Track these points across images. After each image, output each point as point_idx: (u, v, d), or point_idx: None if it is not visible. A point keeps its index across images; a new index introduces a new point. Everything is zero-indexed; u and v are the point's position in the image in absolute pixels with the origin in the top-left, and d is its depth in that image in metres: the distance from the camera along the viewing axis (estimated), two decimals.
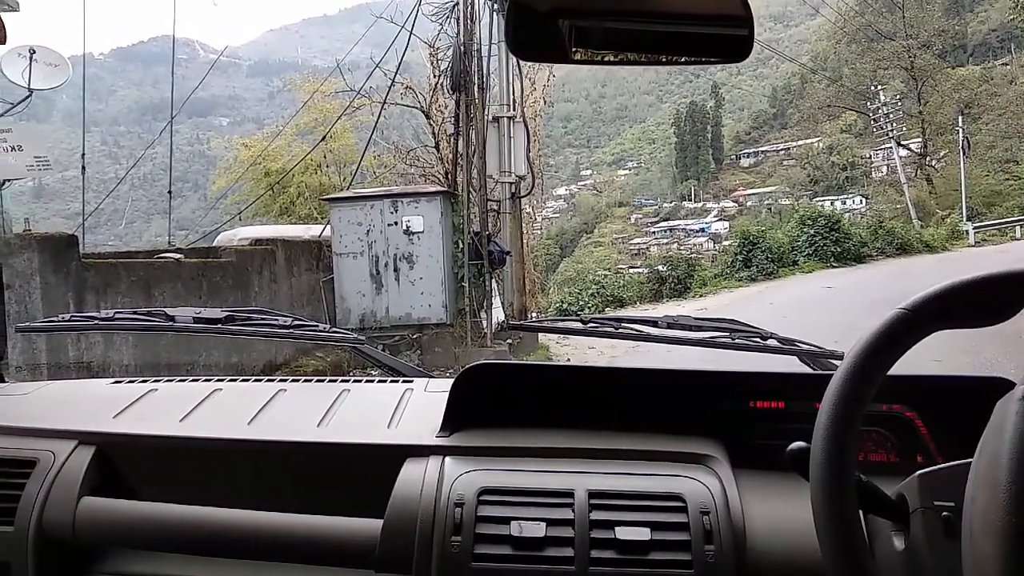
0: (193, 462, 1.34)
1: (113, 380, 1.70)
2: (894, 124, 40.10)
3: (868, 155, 53.88)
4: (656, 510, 1.12)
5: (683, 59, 1.06)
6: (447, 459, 1.23)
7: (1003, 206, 33.10)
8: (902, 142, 41.45)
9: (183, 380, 1.68)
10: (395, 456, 1.25)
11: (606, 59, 1.02)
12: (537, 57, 1.01)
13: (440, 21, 10.94)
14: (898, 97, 42.17)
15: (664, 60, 1.04)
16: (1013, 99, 41.54)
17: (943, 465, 0.90)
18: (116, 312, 1.81)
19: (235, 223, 14.97)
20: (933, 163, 41.58)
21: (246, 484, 1.30)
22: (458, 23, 10.28)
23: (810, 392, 1.13)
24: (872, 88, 41.95)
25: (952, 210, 32.18)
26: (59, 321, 1.87)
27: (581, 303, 19.08)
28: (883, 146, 46.50)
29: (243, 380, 1.68)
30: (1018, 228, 27.84)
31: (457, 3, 10.35)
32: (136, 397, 1.53)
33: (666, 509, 1.12)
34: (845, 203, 48.09)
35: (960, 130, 34.09)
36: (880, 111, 40.74)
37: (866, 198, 48.36)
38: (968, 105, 41.02)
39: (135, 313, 1.80)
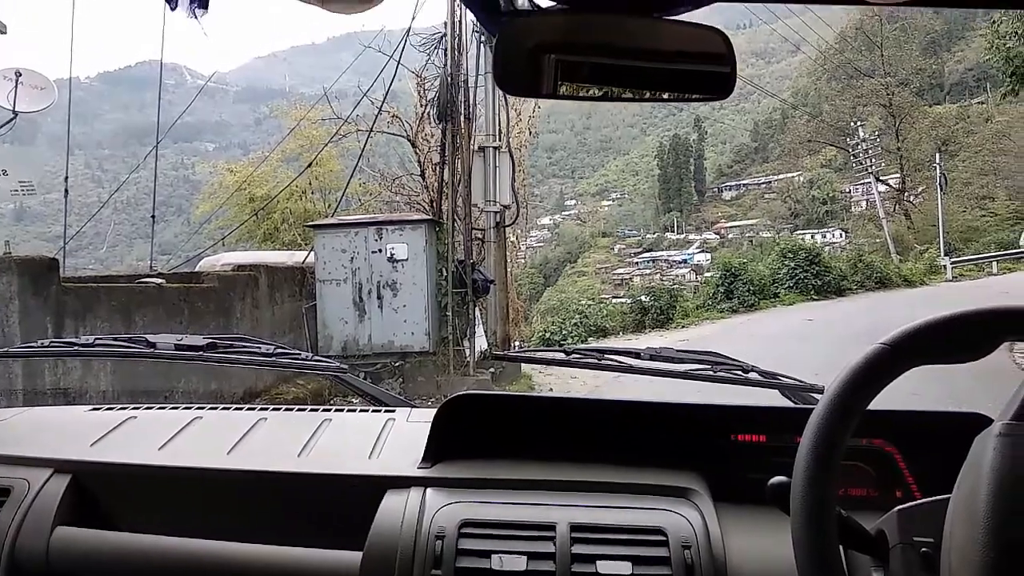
0: (171, 492, 1.32)
1: (92, 407, 1.68)
2: (873, 160, 40.78)
3: (848, 190, 54.68)
4: (638, 544, 1.12)
5: (667, 95, 1.08)
6: (428, 491, 1.22)
7: (980, 241, 33.65)
8: (881, 177, 42.11)
9: (163, 408, 1.66)
10: (376, 487, 1.24)
11: (591, 94, 1.04)
12: (524, 92, 1.02)
13: (428, 52, 11.05)
14: (877, 133, 42.92)
15: (648, 96, 1.06)
16: (989, 137, 42.44)
17: (922, 501, 0.90)
18: (96, 338, 1.80)
19: (218, 248, 14.88)
20: (911, 198, 42.27)
21: (225, 515, 1.29)
22: (445, 54, 10.39)
23: (791, 426, 1.14)
24: (851, 124, 42.72)
25: (930, 245, 32.62)
26: (38, 347, 1.85)
27: (564, 332, 19.06)
28: (862, 181, 47.24)
29: (223, 408, 1.66)
30: (994, 263, 28.24)
31: (444, 35, 10.46)
32: (114, 425, 1.51)
33: (648, 543, 1.12)
34: (825, 236, 48.67)
35: (937, 166, 34.70)
36: (859, 147, 41.43)
37: (846, 232, 48.94)
38: (945, 142, 41.81)
39: (116, 339, 1.79)
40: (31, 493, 1.28)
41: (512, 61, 0.95)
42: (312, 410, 1.66)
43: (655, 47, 0.96)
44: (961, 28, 53.35)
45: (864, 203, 50.33)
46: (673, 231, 69.88)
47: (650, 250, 66.73)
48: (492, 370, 9.84)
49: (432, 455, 1.31)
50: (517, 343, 12.68)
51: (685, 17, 0.96)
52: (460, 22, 10.20)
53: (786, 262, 23.19)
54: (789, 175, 59.54)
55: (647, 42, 0.96)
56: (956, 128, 44.77)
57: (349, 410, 1.67)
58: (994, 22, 13.99)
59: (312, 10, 0.89)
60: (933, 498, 0.88)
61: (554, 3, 0.96)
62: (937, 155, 36.55)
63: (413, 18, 10.87)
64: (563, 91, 0.98)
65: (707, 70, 0.99)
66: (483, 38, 10.28)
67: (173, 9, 0.95)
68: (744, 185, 71.30)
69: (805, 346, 11.62)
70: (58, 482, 1.30)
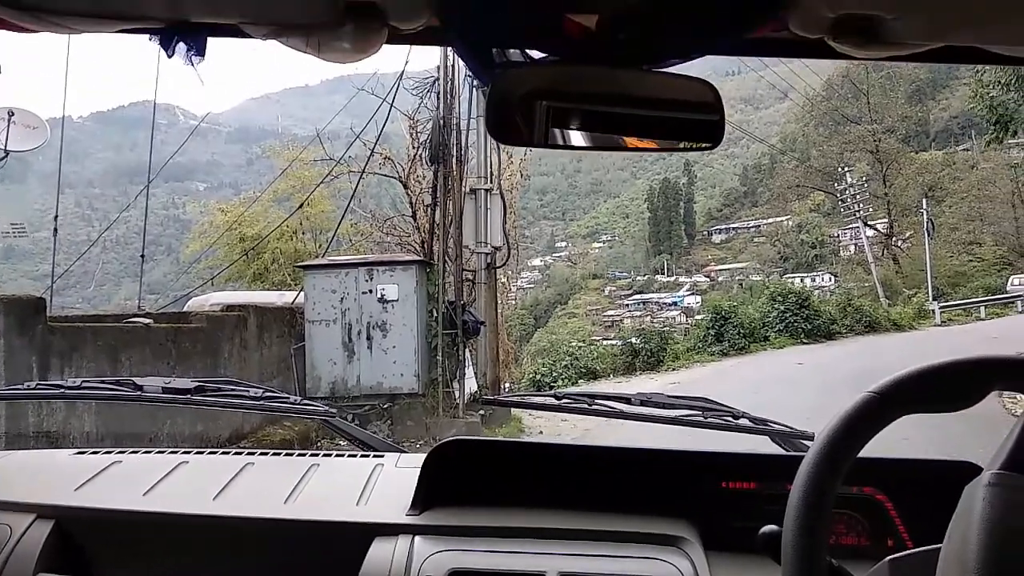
0: (156, 538, 1.30)
1: (76, 451, 1.66)
2: (861, 205, 41.33)
3: (836, 234, 55.13)
4: None
5: (657, 145, 1.09)
6: (417, 538, 1.21)
7: (967, 286, 33.96)
8: (869, 222, 42.64)
9: (148, 452, 1.65)
10: (364, 535, 1.22)
11: (582, 143, 1.05)
12: (516, 141, 1.04)
13: (420, 95, 11.19)
14: (864, 179, 43.54)
15: (638, 146, 1.08)
16: (975, 183, 43.05)
17: (913, 551, 0.90)
18: (83, 381, 1.78)
19: (207, 288, 14.84)
20: (899, 243, 42.70)
21: (211, 562, 1.27)
22: (438, 97, 10.53)
23: (782, 473, 1.13)
24: (839, 170, 43.39)
25: (918, 289, 32.89)
26: (25, 389, 1.83)
27: (555, 374, 19.03)
28: (850, 226, 47.71)
29: (210, 452, 1.65)
30: (982, 308, 28.46)
31: (437, 78, 10.61)
32: (99, 469, 1.49)
33: None
34: (814, 280, 48.90)
35: (924, 212, 35.16)
36: (847, 192, 42.04)
37: (835, 276, 49.26)
38: (932, 188, 42.41)
39: (103, 382, 1.77)
40: (13, 539, 1.26)
41: (504, 111, 0.97)
42: (300, 455, 1.65)
43: (646, 97, 0.98)
44: (946, 77, 54.45)
45: (853, 247, 50.79)
46: (663, 274, 70.16)
47: (640, 292, 66.85)
48: (482, 412, 9.77)
49: (421, 502, 1.30)
50: (507, 384, 12.64)
51: (674, 69, 0.98)
52: (453, 67, 10.36)
53: (776, 305, 23.32)
54: (778, 219, 60.06)
55: (638, 93, 0.98)
56: (942, 174, 45.46)
57: (337, 455, 1.65)
58: (978, 71, 14.31)
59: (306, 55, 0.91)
60: (924, 548, 0.87)
61: (546, 55, 0.98)
62: (924, 201, 37.09)
63: (407, 62, 11.04)
64: (555, 140, 1.00)
65: (697, 119, 1.01)
66: (475, 82, 10.43)
67: (170, 56, 0.96)
68: (734, 229, 71.86)
69: (795, 390, 11.61)
70: (41, 528, 1.28)
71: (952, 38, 0.89)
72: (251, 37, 0.91)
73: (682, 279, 67.87)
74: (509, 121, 0.99)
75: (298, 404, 1.84)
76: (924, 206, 35.94)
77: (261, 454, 1.62)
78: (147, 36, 0.94)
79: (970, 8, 0.84)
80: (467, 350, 10.26)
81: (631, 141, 1.05)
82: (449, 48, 10.09)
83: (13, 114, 8.58)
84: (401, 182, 12.46)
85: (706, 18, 0.92)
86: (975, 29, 0.88)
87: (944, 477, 1.07)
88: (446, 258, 10.33)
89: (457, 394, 9.80)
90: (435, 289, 9.99)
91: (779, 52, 1.06)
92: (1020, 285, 30.76)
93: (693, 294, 60.14)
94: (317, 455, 1.63)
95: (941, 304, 29.25)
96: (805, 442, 1.64)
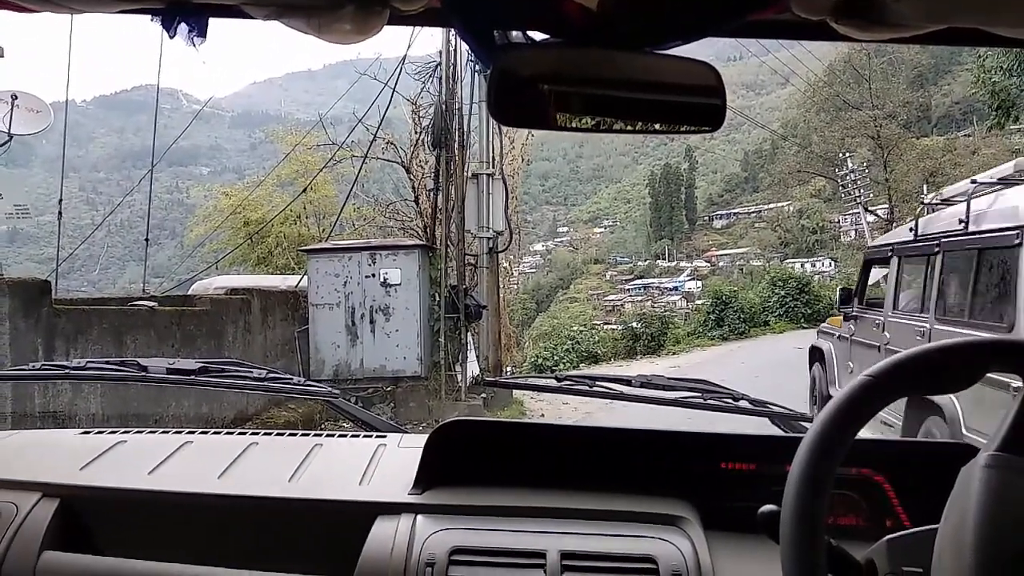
0: (160, 516, 1.31)
1: (82, 430, 1.67)
2: (861, 190, 41.09)
3: (836, 219, 54.94)
4: (628, 572, 1.11)
5: (659, 127, 1.10)
6: (419, 517, 1.22)
7: None
8: (869, 208, 42.45)
9: (153, 432, 1.65)
10: (366, 513, 1.23)
11: (584, 125, 1.05)
12: (518, 123, 1.04)
13: (423, 79, 11.15)
14: (865, 164, 43.27)
15: (641, 128, 1.08)
16: (975, 169, 42.44)
17: (911, 530, 0.91)
18: (88, 362, 1.79)
19: (211, 272, 14.84)
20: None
21: (214, 540, 1.28)
22: (440, 82, 10.49)
23: (781, 454, 1.14)
24: (840, 155, 43.11)
25: None
26: (30, 370, 1.84)
27: (556, 358, 19.08)
28: (851, 211, 47.47)
29: (214, 432, 1.66)
30: None
31: (439, 63, 10.57)
32: (104, 448, 1.50)
33: (638, 571, 1.12)
34: (815, 265, 48.86)
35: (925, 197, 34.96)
36: (848, 177, 41.78)
37: (835, 261, 49.19)
38: (932, 174, 42.08)
39: (107, 363, 1.78)
40: (19, 517, 1.27)
41: (506, 93, 0.97)
42: (303, 435, 1.66)
43: (647, 80, 0.98)
44: (948, 62, 54.10)
45: (853, 233, 50.59)
46: (664, 259, 70.13)
47: (641, 277, 66.85)
48: (484, 395, 9.81)
49: (423, 481, 1.31)
50: (509, 368, 12.68)
51: (677, 51, 0.98)
52: (455, 51, 10.31)
53: (776, 290, 23.35)
54: (779, 204, 59.85)
55: (639, 75, 0.98)
56: (943, 160, 45.08)
57: (340, 435, 1.66)
58: (980, 56, 14.23)
59: (308, 38, 0.91)
60: (922, 528, 0.88)
61: (548, 36, 0.98)
62: (924, 186, 36.87)
63: (409, 47, 10.98)
64: (556, 122, 1.00)
65: (698, 102, 1.01)
66: (477, 67, 10.39)
67: (171, 37, 0.96)
68: (735, 214, 71.74)
69: (795, 374, 11.61)
70: (46, 506, 1.29)
71: (955, 20, 0.88)
72: (253, 18, 0.90)
73: (683, 264, 67.85)
74: (511, 103, 0.99)
75: (301, 385, 1.85)
76: (925, 191, 35.78)
77: (265, 434, 1.64)
78: (148, 17, 0.94)
79: None
80: (469, 334, 10.28)
81: (632, 123, 1.06)
82: (451, 32, 10.08)
83: (16, 98, 8.55)
84: (403, 167, 12.43)
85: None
86: (978, 10, 0.87)
87: (941, 458, 1.08)
88: (448, 242, 10.33)
89: (459, 377, 9.83)
90: (437, 273, 10.00)
91: (781, 34, 1.06)
92: None
93: (694, 279, 60.16)
94: (320, 435, 1.64)
95: None
96: (804, 424, 1.65)
